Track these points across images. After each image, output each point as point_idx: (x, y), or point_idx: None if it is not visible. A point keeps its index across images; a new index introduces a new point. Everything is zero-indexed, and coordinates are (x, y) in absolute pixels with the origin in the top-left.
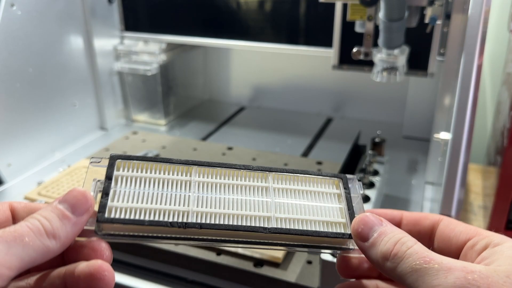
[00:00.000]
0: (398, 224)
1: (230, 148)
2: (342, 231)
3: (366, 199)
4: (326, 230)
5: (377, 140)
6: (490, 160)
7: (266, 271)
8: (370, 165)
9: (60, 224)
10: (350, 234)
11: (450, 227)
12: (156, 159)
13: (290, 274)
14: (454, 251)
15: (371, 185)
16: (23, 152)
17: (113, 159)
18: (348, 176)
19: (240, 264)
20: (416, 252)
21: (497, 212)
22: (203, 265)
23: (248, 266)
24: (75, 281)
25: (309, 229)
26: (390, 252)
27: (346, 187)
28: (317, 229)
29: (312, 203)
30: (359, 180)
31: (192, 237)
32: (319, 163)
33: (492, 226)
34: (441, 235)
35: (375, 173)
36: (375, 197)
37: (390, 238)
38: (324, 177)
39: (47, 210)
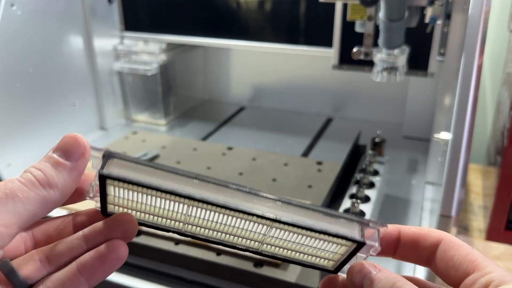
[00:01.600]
0: (395, 241)
1: (230, 148)
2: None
3: (366, 199)
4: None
5: (377, 140)
6: (490, 160)
7: (266, 271)
8: (370, 165)
9: (55, 173)
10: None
11: (449, 254)
12: (153, 165)
13: (290, 275)
14: (454, 282)
15: (371, 185)
16: (23, 152)
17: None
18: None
19: (240, 264)
20: None
21: (497, 212)
22: (203, 265)
23: (248, 266)
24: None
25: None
26: None
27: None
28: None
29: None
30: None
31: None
32: (319, 163)
33: (492, 226)
34: (441, 261)
35: (375, 173)
36: (375, 197)
37: (385, 283)
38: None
39: (40, 161)
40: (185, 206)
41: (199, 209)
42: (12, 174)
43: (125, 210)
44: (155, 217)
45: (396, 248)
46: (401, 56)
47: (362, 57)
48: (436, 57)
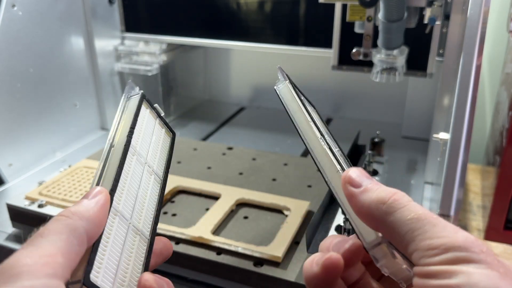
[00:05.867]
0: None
1: (230, 148)
2: None
3: None
4: None
5: (376, 140)
6: (489, 160)
7: (266, 270)
8: (370, 165)
9: (78, 207)
10: None
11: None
12: None
13: (290, 273)
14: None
15: None
16: (24, 152)
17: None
18: None
19: (240, 263)
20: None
21: (496, 212)
22: (203, 264)
23: (248, 265)
24: None
25: None
26: (389, 198)
27: None
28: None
29: None
30: None
31: None
32: None
33: (491, 226)
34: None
35: (375, 173)
36: None
37: (387, 188)
38: None
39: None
40: None
41: None
42: (13, 174)
43: None
44: None
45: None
46: (400, 57)
47: (361, 57)
48: (435, 57)
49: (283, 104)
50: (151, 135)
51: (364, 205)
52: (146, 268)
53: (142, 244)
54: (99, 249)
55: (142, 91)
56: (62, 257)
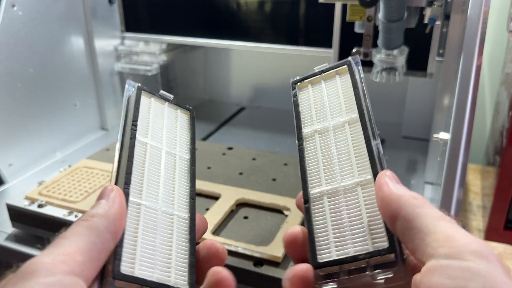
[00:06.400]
0: None
1: (230, 148)
2: None
3: None
4: None
5: None
6: (489, 160)
7: (266, 270)
8: None
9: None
10: None
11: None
12: None
13: None
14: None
15: None
16: (24, 152)
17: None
18: None
19: (240, 263)
20: None
21: (496, 212)
22: None
23: (248, 265)
24: None
25: None
26: (422, 197)
27: None
28: None
29: None
30: None
31: None
32: None
33: (491, 226)
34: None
35: None
36: None
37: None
38: None
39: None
40: None
41: None
42: (13, 174)
43: None
44: None
45: None
46: (400, 57)
47: (361, 57)
48: (435, 57)
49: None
50: (162, 119)
51: (394, 192)
52: (192, 243)
53: (181, 224)
54: (126, 242)
55: (138, 84)
56: (81, 255)
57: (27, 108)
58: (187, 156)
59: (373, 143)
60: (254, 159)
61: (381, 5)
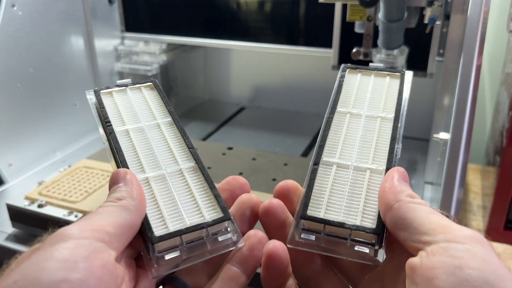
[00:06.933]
0: None
1: (230, 148)
2: None
3: None
4: None
5: None
6: (489, 160)
7: None
8: None
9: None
10: None
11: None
12: None
13: None
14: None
15: None
16: (24, 152)
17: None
18: None
19: None
20: None
21: (496, 212)
22: None
23: None
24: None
25: None
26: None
27: None
28: None
29: None
30: None
31: None
32: None
33: (491, 226)
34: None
35: None
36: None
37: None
38: None
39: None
40: None
41: None
42: (13, 174)
43: None
44: None
45: None
46: (400, 57)
47: (361, 57)
48: (435, 57)
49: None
50: (130, 104)
51: (396, 185)
52: (209, 181)
53: (191, 173)
54: (150, 212)
55: (91, 90)
56: (112, 228)
57: (27, 108)
58: (169, 119)
59: (396, 145)
60: (254, 159)
61: (381, 5)
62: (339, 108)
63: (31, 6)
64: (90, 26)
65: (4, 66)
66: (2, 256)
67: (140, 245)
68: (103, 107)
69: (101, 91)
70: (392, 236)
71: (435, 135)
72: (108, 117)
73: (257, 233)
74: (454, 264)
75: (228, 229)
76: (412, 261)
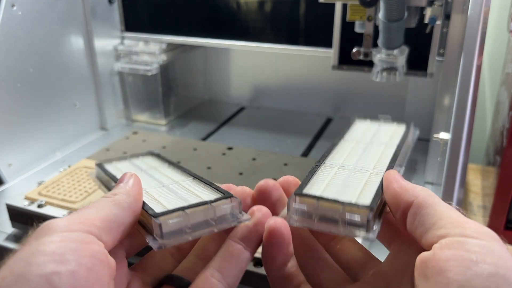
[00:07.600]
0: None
1: (230, 148)
2: None
3: None
4: None
5: None
6: (489, 160)
7: None
8: None
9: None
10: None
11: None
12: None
13: None
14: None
15: None
16: (24, 152)
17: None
18: None
19: None
20: None
21: (496, 212)
22: None
23: (248, 265)
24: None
25: None
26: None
27: None
28: None
29: None
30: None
31: None
32: None
33: (492, 226)
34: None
35: None
36: None
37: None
38: None
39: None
40: None
41: None
42: (13, 174)
43: None
44: None
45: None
46: (400, 57)
47: (361, 57)
48: (436, 57)
49: None
50: (140, 172)
51: (407, 183)
52: (210, 182)
53: (192, 182)
54: (151, 204)
55: (95, 163)
56: (101, 222)
57: (26, 108)
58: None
59: (397, 168)
60: (254, 159)
61: (381, 5)
62: (346, 137)
63: (31, 6)
64: (90, 26)
65: (4, 66)
66: (2, 256)
67: (133, 248)
68: (108, 173)
69: (104, 163)
70: (399, 233)
71: (435, 135)
72: (114, 175)
73: (261, 208)
74: (471, 258)
75: (232, 205)
76: (424, 254)
